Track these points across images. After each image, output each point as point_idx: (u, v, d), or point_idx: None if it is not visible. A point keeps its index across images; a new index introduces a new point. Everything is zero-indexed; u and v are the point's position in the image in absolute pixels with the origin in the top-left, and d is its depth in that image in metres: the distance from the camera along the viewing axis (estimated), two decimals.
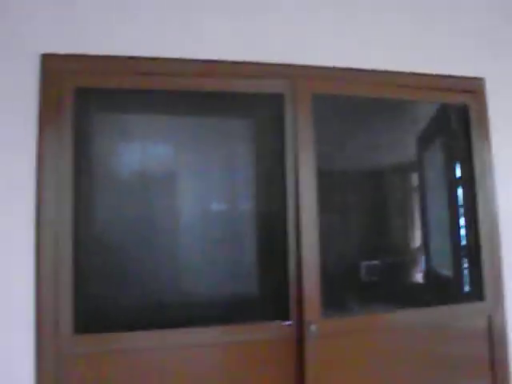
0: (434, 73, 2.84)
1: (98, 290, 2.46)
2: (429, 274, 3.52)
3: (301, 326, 2.52)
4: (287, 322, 2.52)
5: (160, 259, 2.54)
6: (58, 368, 2.27)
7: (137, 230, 2.53)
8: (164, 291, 2.54)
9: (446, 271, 3.31)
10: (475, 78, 2.92)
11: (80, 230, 2.37)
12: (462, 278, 3.12)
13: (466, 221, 3.07)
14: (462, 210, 3.11)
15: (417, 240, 3.29)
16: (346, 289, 3.01)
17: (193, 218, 2.63)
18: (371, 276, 4.90)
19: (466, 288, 3.11)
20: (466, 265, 3.12)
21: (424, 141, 3.17)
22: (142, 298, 2.50)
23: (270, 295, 2.65)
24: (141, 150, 2.62)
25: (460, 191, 3.10)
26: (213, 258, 2.60)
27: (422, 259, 3.38)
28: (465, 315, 2.86)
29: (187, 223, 2.62)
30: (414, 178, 3.25)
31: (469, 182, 2.96)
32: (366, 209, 3.19)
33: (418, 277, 3.70)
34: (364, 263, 4.72)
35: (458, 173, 3.11)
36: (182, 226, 2.62)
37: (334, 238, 2.99)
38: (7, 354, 2.23)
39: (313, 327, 2.48)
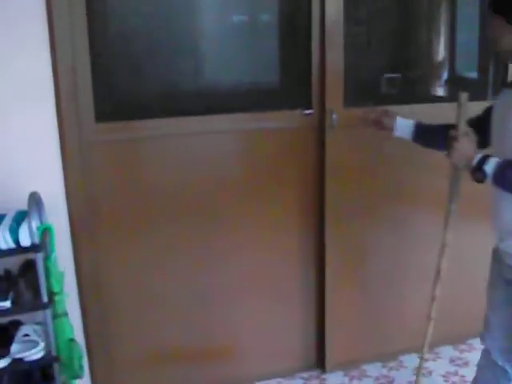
0: None
1: (118, 79, 2.43)
2: (453, 79, 3.45)
3: (322, 114, 2.50)
4: (309, 111, 2.50)
5: (181, 49, 2.46)
6: (81, 156, 2.29)
7: (156, 21, 2.42)
8: (185, 80, 2.51)
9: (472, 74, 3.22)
10: None
11: (96, 22, 2.27)
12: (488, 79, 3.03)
13: None
14: None
15: (442, 50, 3.17)
16: (366, 97, 2.94)
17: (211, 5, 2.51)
18: (392, 88, 4.88)
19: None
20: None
21: None
22: (163, 87, 2.47)
23: (292, 84, 2.61)
24: None
25: None
26: (235, 47, 2.53)
27: (446, 69, 3.29)
28: None
29: (206, 11, 2.50)
30: None
31: None
32: (393, 20, 3.04)
33: (440, 90, 3.64)
34: (385, 76, 4.65)
35: None
36: (202, 14, 2.50)
37: (359, 47, 2.87)
38: (33, 144, 2.24)
39: (334, 116, 2.46)
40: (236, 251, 2.59)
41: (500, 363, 2.04)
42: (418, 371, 2.39)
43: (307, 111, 2.50)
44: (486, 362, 2.10)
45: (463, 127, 1.89)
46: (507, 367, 2.03)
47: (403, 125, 2.17)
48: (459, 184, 2.03)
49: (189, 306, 2.58)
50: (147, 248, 2.46)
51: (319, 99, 2.50)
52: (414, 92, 3.17)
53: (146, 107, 2.42)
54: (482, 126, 1.91)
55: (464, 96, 1.93)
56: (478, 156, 1.75)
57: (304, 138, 2.54)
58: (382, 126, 2.21)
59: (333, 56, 2.46)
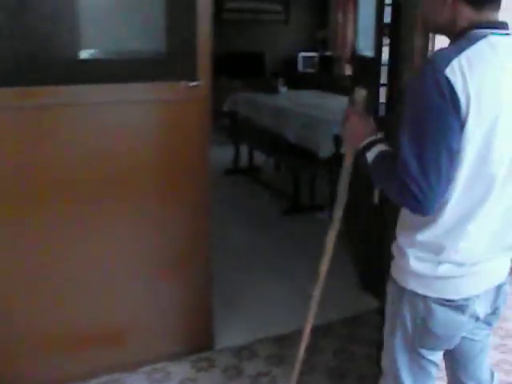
0: None
1: None
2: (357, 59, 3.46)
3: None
4: (194, 83, 2.36)
5: (55, 12, 2.21)
6: None
7: None
8: (59, 46, 2.27)
9: (369, 52, 3.26)
10: None
11: None
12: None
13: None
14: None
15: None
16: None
17: None
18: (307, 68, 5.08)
19: None
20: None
21: None
22: (32, 53, 2.23)
23: (178, 53, 2.44)
24: None
25: None
26: (116, 13, 2.33)
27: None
28: None
29: None
30: None
31: None
32: None
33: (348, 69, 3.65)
34: (301, 54, 4.80)
35: None
36: None
37: None
38: None
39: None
40: (118, 227, 2.43)
41: None
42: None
43: (193, 83, 2.36)
44: None
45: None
46: None
47: None
48: (347, 176, 1.74)
49: (68, 290, 2.40)
50: (18, 227, 2.26)
51: (205, 70, 2.36)
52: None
53: (10, 74, 2.17)
54: None
55: (360, 93, 1.62)
56: (367, 140, 1.49)
57: (189, 110, 2.39)
58: None
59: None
